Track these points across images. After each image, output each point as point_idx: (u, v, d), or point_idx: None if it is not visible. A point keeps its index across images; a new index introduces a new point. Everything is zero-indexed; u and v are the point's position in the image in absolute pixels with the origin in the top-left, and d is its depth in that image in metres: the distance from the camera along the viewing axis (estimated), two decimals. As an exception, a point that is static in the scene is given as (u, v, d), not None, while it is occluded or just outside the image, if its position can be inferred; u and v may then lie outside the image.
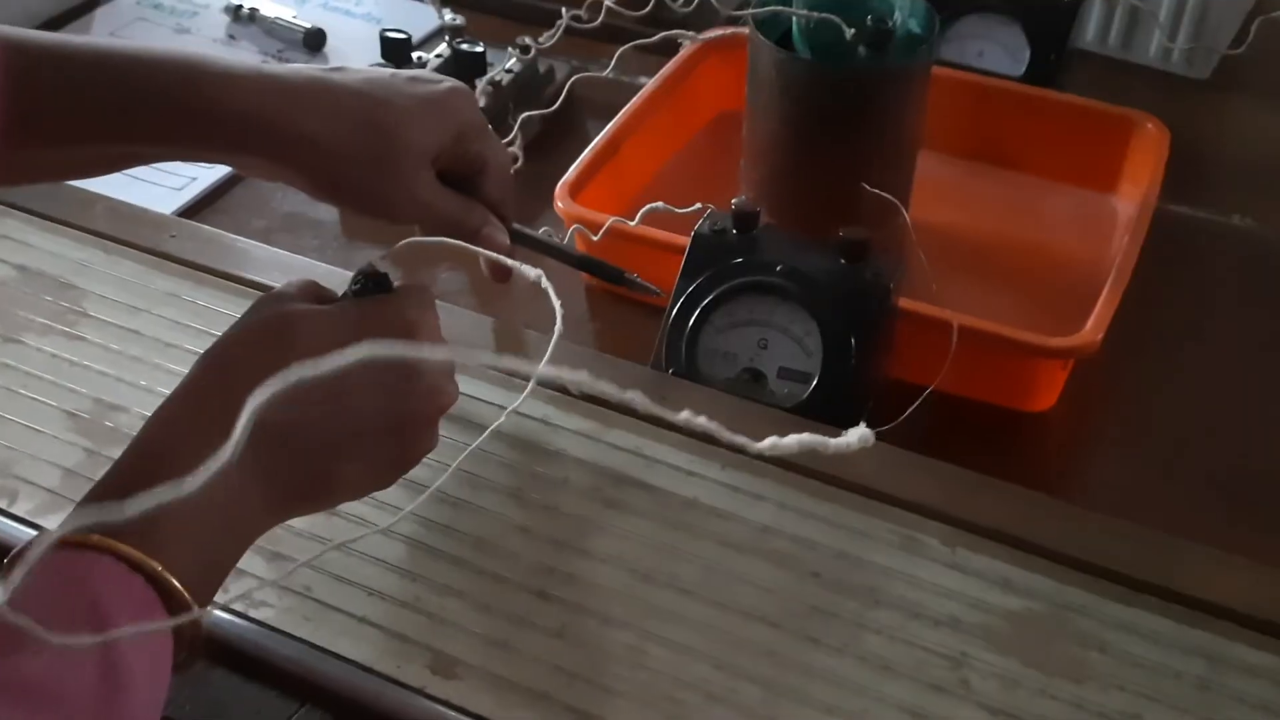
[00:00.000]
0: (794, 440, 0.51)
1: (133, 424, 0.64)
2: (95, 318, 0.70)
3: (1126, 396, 0.73)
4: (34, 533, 0.59)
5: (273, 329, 0.52)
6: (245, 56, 0.97)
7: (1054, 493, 0.61)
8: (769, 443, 0.51)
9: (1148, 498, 0.67)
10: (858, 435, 0.52)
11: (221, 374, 0.51)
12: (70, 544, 0.45)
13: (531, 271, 0.64)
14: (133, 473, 0.49)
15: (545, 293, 0.63)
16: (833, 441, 0.51)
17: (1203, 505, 0.67)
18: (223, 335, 0.53)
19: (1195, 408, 0.72)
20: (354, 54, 0.97)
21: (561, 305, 0.66)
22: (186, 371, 0.52)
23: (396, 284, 0.57)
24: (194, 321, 0.69)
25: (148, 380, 0.66)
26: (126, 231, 0.75)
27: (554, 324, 0.68)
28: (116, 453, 0.61)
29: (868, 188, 0.73)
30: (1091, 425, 0.72)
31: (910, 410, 0.63)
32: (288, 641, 0.55)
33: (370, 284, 0.56)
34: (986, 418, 0.70)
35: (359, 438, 0.51)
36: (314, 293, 0.56)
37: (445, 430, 0.57)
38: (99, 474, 0.60)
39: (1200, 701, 0.52)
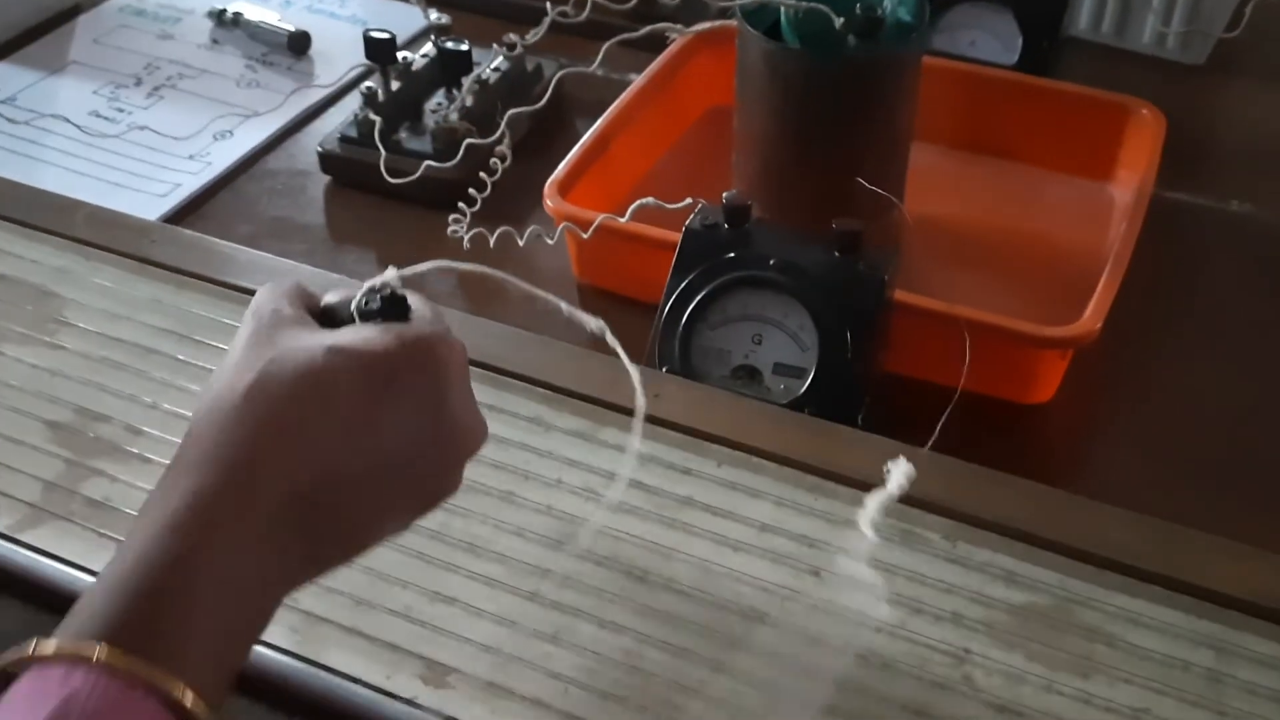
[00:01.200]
0: (875, 509, 0.55)
1: (115, 434, 0.63)
2: (76, 326, 0.69)
3: (1127, 385, 0.72)
4: (13, 548, 0.58)
5: (310, 382, 0.46)
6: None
7: (1057, 484, 0.60)
8: (868, 530, 0.54)
9: (1152, 487, 0.66)
10: (903, 473, 0.55)
11: (259, 437, 0.44)
12: (66, 658, 0.38)
13: (593, 322, 0.58)
14: (149, 570, 0.41)
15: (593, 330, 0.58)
16: (894, 491, 0.55)
17: (1208, 493, 0.65)
18: (231, 382, 0.46)
19: (1197, 395, 0.71)
20: (339, 56, 0.96)
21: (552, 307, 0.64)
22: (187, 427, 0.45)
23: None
24: (177, 327, 0.68)
25: (131, 389, 0.65)
26: (107, 238, 0.73)
27: (549, 329, 0.66)
28: (99, 464, 0.61)
29: (862, 182, 0.71)
30: (1093, 415, 0.71)
31: (944, 418, 0.61)
32: (275, 654, 0.53)
33: (389, 307, 0.49)
34: (986, 410, 0.69)
35: (391, 487, 0.47)
36: (306, 301, 0.51)
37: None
38: (80, 487, 0.60)
39: (1210, 693, 0.51)
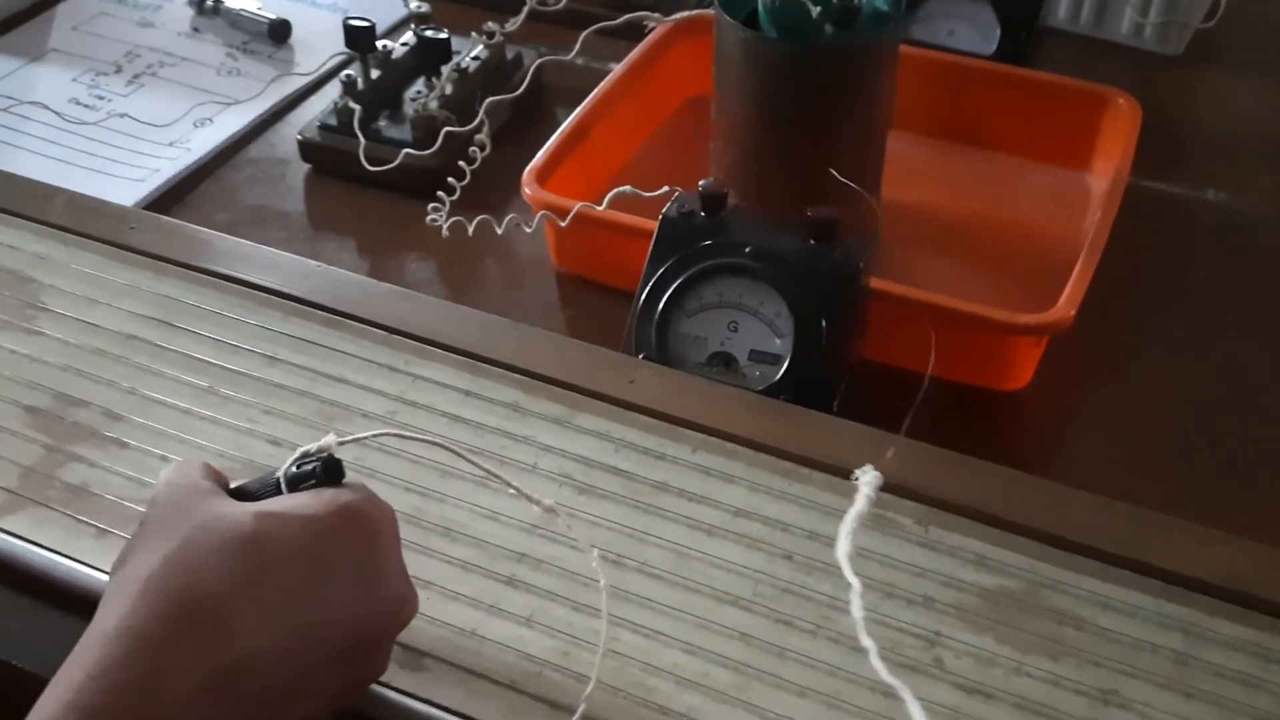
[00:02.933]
0: (850, 527, 0.50)
1: (93, 420, 0.63)
2: (54, 311, 0.69)
3: (1102, 373, 0.73)
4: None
5: (239, 547, 0.44)
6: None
7: (1032, 470, 0.60)
8: (843, 553, 0.49)
9: (1127, 473, 0.66)
10: (869, 482, 0.52)
11: (175, 617, 0.43)
12: None
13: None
14: None
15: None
16: (864, 506, 0.51)
17: (1183, 479, 0.66)
18: (150, 548, 0.44)
19: (1171, 382, 0.72)
20: (320, 44, 0.96)
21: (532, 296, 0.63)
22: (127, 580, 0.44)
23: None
24: (155, 313, 0.68)
25: (109, 375, 0.65)
26: (86, 224, 0.73)
27: (528, 316, 0.66)
28: (77, 449, 0.62)
29: (835, 174, 0.71)
30: (1067, 403, 0.71)
31: (915, 406, 0.62)
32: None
33: (325, 473, 0.48)
34: (961, 398, 0.70)
35: (316, 666, 0.45)
36: (217, 480, 0.49)
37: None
38: (58, 472, 0.60)
39: (1178, 676, 0.52)
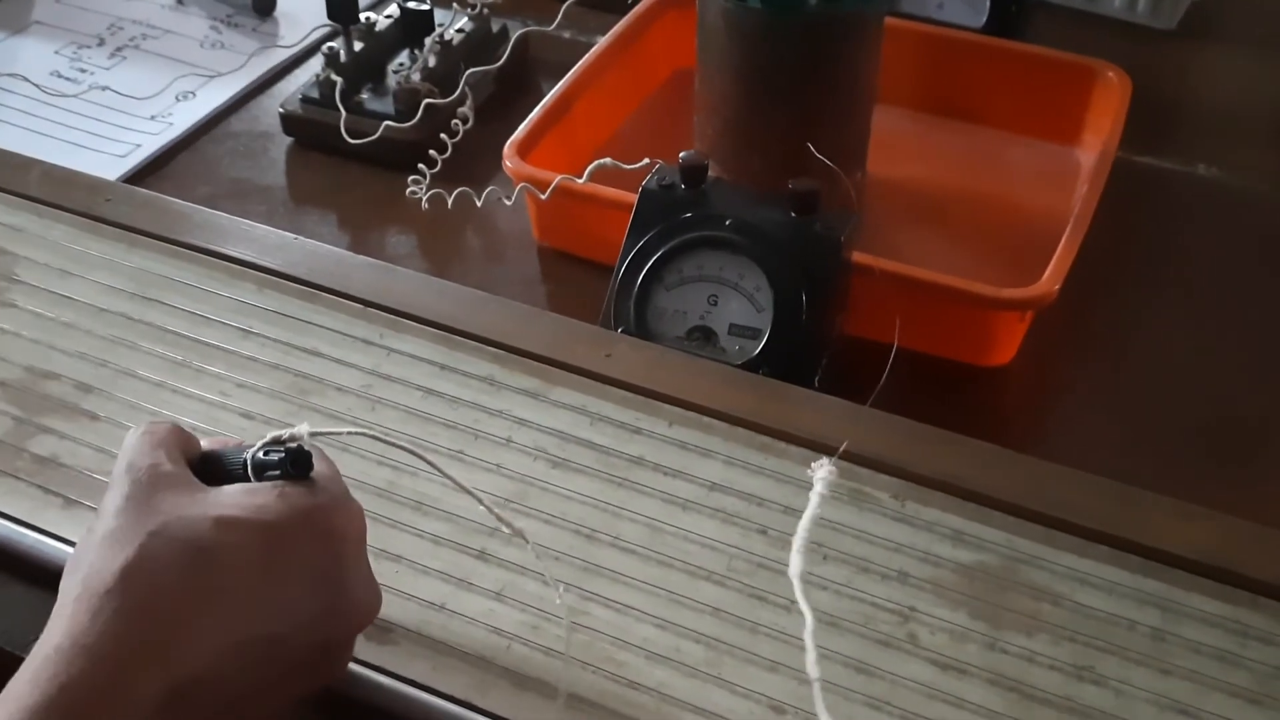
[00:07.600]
0: (802, 539, 0.48)
1: (64, 392, 0.62)
2: (27, 283, 0.68)
3: (1087, 349, 0.72)
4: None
5: (197, 560, 0.43)
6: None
7: (1016, 447, 0.59)
8: (795, 573, 0.47)
9: (1110, 451, 0.65)
10: (823, 479, 0.50)
11: (134, 632, 0.42)
12: None
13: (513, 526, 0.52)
14: None
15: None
16: (818, 507, 0.49)
17: (1168, 456, 0.65)
18: (107, 556, 0.43)
19: (1157, 359, 0.71)
20: (304, 17, 0.95)
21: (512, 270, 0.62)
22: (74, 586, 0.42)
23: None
24: (128, 286, 0.68)
25: (81, 347, 0.65)
26: (61, 196, 0.73)
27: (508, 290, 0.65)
28: (48, 422, 0.61)
29: (812, 149, 0.70)
30: (1051, 379, 0.71)
31: (883, 379, 0.61)
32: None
33: (292, 464, 0.46)
34: (944, 373, 0.69)
35: (277, 670, 0.45)
36: (185, 447, 0.48)
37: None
38: (28, 444, 0.60)
39: (1155, 652, 0.51)
